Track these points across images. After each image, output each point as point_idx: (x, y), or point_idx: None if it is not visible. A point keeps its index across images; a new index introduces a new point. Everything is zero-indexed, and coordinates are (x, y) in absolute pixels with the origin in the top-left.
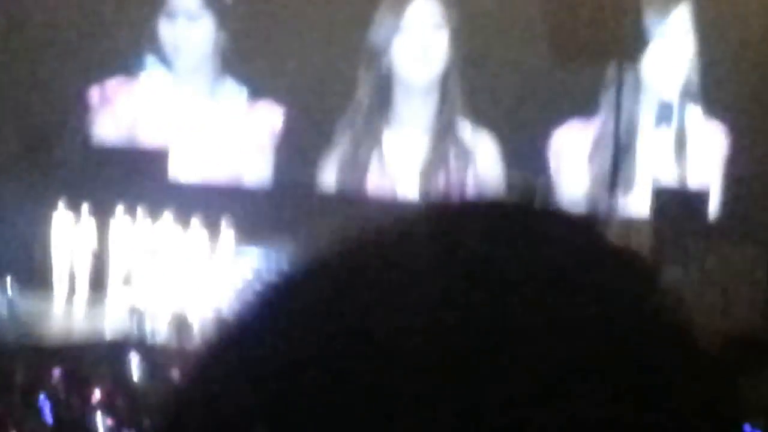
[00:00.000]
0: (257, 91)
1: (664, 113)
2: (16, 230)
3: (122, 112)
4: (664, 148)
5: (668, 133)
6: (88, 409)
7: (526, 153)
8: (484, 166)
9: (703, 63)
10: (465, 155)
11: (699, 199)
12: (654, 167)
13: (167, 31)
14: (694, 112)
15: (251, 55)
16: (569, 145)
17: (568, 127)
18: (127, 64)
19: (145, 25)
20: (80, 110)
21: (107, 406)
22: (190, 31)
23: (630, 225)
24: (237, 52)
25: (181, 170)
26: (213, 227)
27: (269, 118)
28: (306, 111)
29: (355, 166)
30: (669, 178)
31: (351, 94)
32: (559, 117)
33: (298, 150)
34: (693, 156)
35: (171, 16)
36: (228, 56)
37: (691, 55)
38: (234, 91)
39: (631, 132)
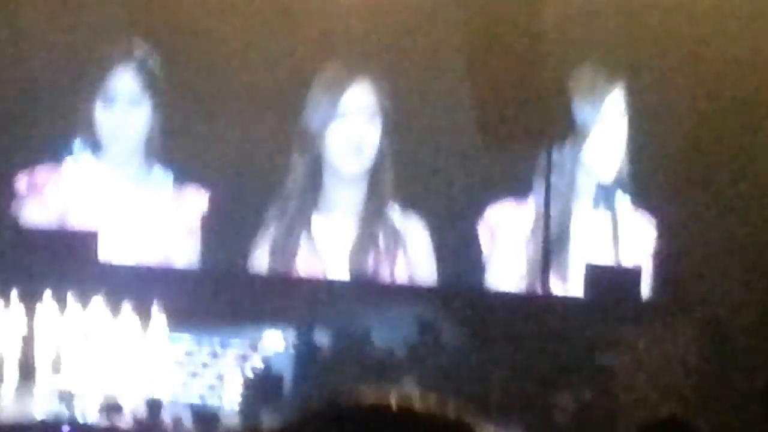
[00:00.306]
0: (184, 176)
1: (597, 197)
2: None
3: (51, 197)
4: (597, 230)
5: (601, 216)
6: None
7: (458, 235)
8: (414, 249)
9: (633, 150)
10: (395, 239)
11: (631, 279)
12: (587, 249)
13: (104, 116)
14: (624, 197)
15: (179, 140)
16: (502, 225)
17: (501, 206)
18: (55, 151)
19: (77, 111)
20: (9, 197)
21: None
22: (128, 116)
23: (564, 305)
24: (166, 137)
25: (111, 253)
26: (144, 310)
27: (196, 202)
28: (232, 195)
29: (286, 249)
30: (602, 260)
31: (279, 179)
32: (491, 198)
33: (226, 233)
34: (625, 239)
35: (109, 101)
36: (157, 142)
37: (622, 141)
38: (161, 177)
39: (565, 215)
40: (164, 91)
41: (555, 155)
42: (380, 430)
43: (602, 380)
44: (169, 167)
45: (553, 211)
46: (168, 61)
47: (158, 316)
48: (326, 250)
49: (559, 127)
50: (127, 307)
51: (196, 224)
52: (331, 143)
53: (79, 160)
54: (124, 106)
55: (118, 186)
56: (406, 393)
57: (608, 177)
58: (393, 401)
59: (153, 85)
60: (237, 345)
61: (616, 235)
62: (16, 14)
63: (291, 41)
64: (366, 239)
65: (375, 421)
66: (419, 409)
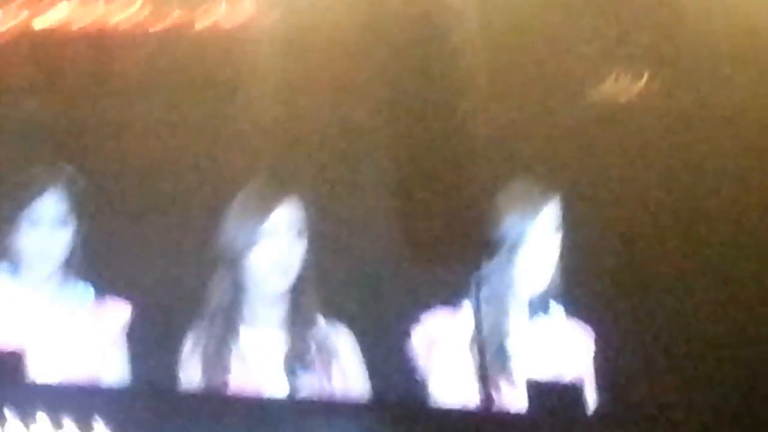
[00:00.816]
0: (104, 290)
1: (531, 309)
2: None
3: None
4: (534, 343)
5: (537, 327)
6: None
7: (388, 347)
8: (346, 362)
9: (567, 262)
10: (326, 352)
11: (574, 392)
12: (526, 362)
13: (27, 238)
14: (558, 309)
15: (101, 256)
16: (438, 335)
17: (434, 315)
18: None
19: None
20: None
21: None
22: (52, 236)
23: (505, 420)
24: (88, 253)
25: (40, 372)
26: (84, 425)
27: (118, 314)
28: (155, 307)
29: (216, 364)
30: (541, 373)
31: (203, 293)
32: (422, 309)
33: (150, 344)
34: (563, 351)
35: (34, 224)
36: (79, 258)
37: (556, 254)
38: (82, 291)
39: (500, 327)
40: (88, 210)
41: (486, 268)
42: None
43: None
44: (90, 282)
45: (486, 324)
46: (91, 182)
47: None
48: (257, 364)
49: (489, 241)
50: (69, 421)
51: (119, 336)
52: (256, 263)
53: None
54: (49, 227)
55: (38, 304)
56: None
57: (541, 289)
58: None
59: (79, 205)
60: None
61: (554, 347)
62: None
63: (215, 158)
64: (296, 354)
65: None
66: None
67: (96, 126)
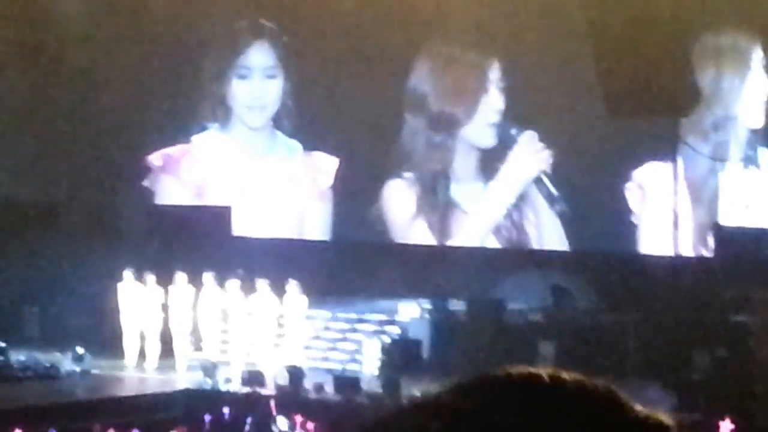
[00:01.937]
0: (312, 143)
1: (739, 156)
2: (85, 299)
3: (183, 175)
4: (735, 190)
5: (740, 174)
6: None
7: (595, 198)
8: (544, 213)
9: None
10: (529, 204)
11: (761, 238)
12: (724, 209)
13: (240, 88)
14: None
15: (308, 110)
16: (648, 187)
17: (647, 169)
18: (186, 129)
19: (209, 87)
20: (142, 177)
21: None
22: (264, 87)
23: (699, 265)
24: (297, 107)
25: (244, 227)
26: (279, 283)
27: (325, 167)
28: (360, 160)
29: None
30: (737, 220)
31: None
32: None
33: (355, 195)
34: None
35: (246, 73)
36: (287, 112)
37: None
38: (290, 146)
39: (703, 174)
40: (294, 64)
41: (691, 118)
42: (530, 402)
43: (737, 338)
44: (298, 136)
45: (691, 172)
46: (295, 37)
47: (295, 288)
48: (464, 217)
49: (693, 91)
50: (263, 281)
51: (326, 189)
52: (474, 123)
53: (209, 137)
54: (260, 77)
55: (248, 158)
56: (555, 369)
57: (751, 135)
58: (543, 373)
59: (284, 58)
60: (374, 316)
61: (757, 194)
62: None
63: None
64: (508, 208)
65: (525, 392)
66: (570, 382)
67: None
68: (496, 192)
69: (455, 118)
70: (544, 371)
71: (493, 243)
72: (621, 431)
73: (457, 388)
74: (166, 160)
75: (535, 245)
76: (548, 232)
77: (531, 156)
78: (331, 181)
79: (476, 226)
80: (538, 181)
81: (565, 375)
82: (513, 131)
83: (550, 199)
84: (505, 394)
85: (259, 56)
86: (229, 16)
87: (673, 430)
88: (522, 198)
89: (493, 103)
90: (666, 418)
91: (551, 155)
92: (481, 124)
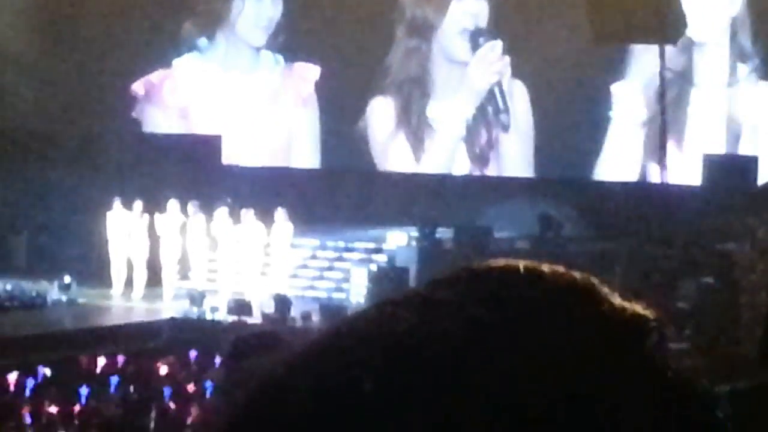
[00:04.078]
0: (294, 56)
1: (715, 76)
2: (72, 227)
3: (166, 100)
4: (714, 115)
5: (719, 98)
6: (155, 385)
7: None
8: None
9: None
10: (504, 125)
11: (748, 167)
12: (704, 135)
13: (249, 8)
14: (747, 72)
15: (293, 25)
16: (619, 107)
17: (620, 87)
18: (164, 54)
19: (195, 5)
20: (128, 105)
21: (172, 381)
22: (274, 7)
23: (683, 193)
24: (281, 22)
25: (232, 154)
26: (267, 211)
27: (308, 74)
28: (343, 68)
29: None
30: (718, 147)
31: (385, 60)
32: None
33: (339, 98)
34: (744, 122)
35: None
36: (273, 28)
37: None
38: (272, 60)
39: (681, 99)
40: None
41: (669, 42)
42: (503, 293)
43: (723, 267)
44: (279, 51)
45: (669, 96)
46: None
47: (282, 216)
48: (440, 139)
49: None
50: (250, 209)
51: (310, 93)
52: (445, 29)
53: (189, 60)
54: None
55: (231, 77)
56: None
57: (723, 54)
58: (520, 265)
59: None
60: (362, 244)
61: (734, 120)
62: None
63: None
64: (479, 126)
65: (499, 284)
66: (547, 274)
67: None
68: (457, 104)
69: (428, 22)
70: (522, 263)
71: (464, 158)
72: (592, 323)
73: (433, 281)
74: (148, 87)
75: (501, 162)
76: (509, 148)
77: (487, 66)
78: (312, 87)
79: (444, 141)
80: (490, 92)
81: (545, 267)
82: (481, 40)
83: (496, 111)
84: (479, 285)
85: None
86: None
87: (648, 321)
88: (482, 111)
89: (465, 8)
90: (642, 309)
91: (510, 65)
92: (453, 31)
